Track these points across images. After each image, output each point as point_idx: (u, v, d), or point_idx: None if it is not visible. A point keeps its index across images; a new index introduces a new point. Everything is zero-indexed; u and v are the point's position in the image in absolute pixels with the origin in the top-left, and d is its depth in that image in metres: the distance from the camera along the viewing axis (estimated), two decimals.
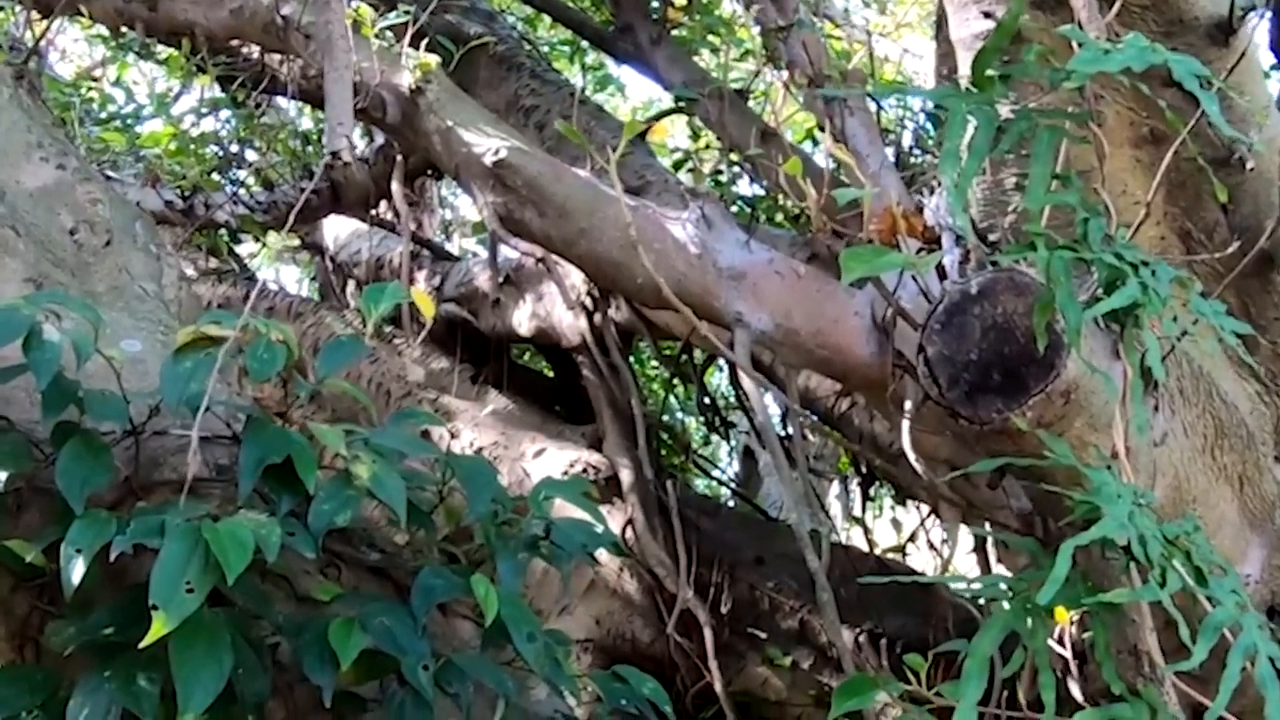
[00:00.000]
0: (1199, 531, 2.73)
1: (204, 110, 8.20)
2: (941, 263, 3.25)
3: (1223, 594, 2.65)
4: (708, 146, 8.06)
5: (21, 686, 3.11)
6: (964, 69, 3.66)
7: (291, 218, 6.67)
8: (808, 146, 7.56)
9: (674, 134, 9.31)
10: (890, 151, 5.72)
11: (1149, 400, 3.04)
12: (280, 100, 8.78)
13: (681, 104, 6.54)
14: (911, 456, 4.12)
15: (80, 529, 2.91)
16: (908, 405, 3.96)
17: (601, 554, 5.78)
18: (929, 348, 2.78)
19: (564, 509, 3.74)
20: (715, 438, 10.53)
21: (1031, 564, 2.97)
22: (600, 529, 3.71)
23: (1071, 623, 3.23)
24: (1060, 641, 3.31)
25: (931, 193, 3.43)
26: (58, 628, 3.09)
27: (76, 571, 2.86)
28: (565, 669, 3.42)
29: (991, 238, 3.33)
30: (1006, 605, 2.85)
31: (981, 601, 5.04)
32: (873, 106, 5.15)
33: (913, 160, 6.75)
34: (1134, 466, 2.86)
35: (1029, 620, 2.78)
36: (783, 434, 6.42)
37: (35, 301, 3.12)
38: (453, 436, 6.12)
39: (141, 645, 2.73)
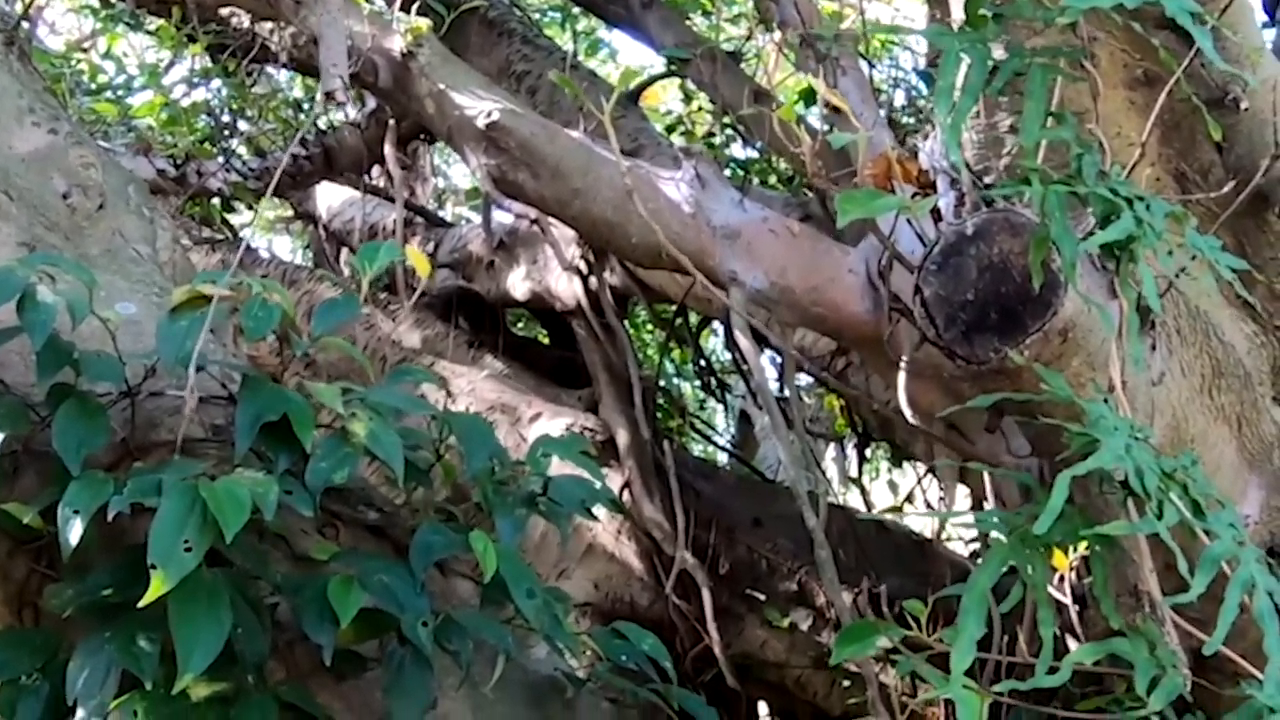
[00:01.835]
0: (1196, 466, 2.72)
1: (195, 80, 8.19)
2: (937, 206, 3.24)
3: (1221, 528, 2.65)
4: (700, 109, 8.05)
5: (21, 650, 3.11)
6: (957, 13, 3.65)
7: (275, 178, 6.59)
8: (800, 111, 7.54)
9: (665, 101, 9.29)
10: (883, 114, 5.71)
11: (1146, 339, 3.03)
12: (271, 69, 8.77)
13: (674, 66, 6.51)
14: (907, 411, 4.12)
15: (77, 490, 2.90)
16: (903, 359, 3.96)
17: (600, 517, 5.84)
18: (925, 289, 2.78)
19: (562, 471, 3.74)
20: (711, 404, 10.54)
21: (1028, 502, 2.96)
22: (599, 485, 3.70)
23: (1071, 568, 3.24)
24: (1060, 588, 3.32)
25: (926, 138, 3.43)
26: (56, 590, 3.09)
27: (74, 532, 2.85)
28: (565, 626, 3.41)
29: (986, 181, 3.32)
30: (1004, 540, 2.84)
31: (979, 560, 5.06)
32: (865, 67, 5.14)
33: (905, 121, 6.74)
34: (1132, 406, 2.85)
35: (1026, 555, 2.77)
36: (779, 395, 6.40)
37: (29, 263, 3.11)
38: (449, 395, 6.11)
39: (140, 605, 2.72)
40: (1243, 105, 3.58)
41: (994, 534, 2.87)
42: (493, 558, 3.17)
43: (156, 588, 2.72)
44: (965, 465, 4.22)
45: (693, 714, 3.83)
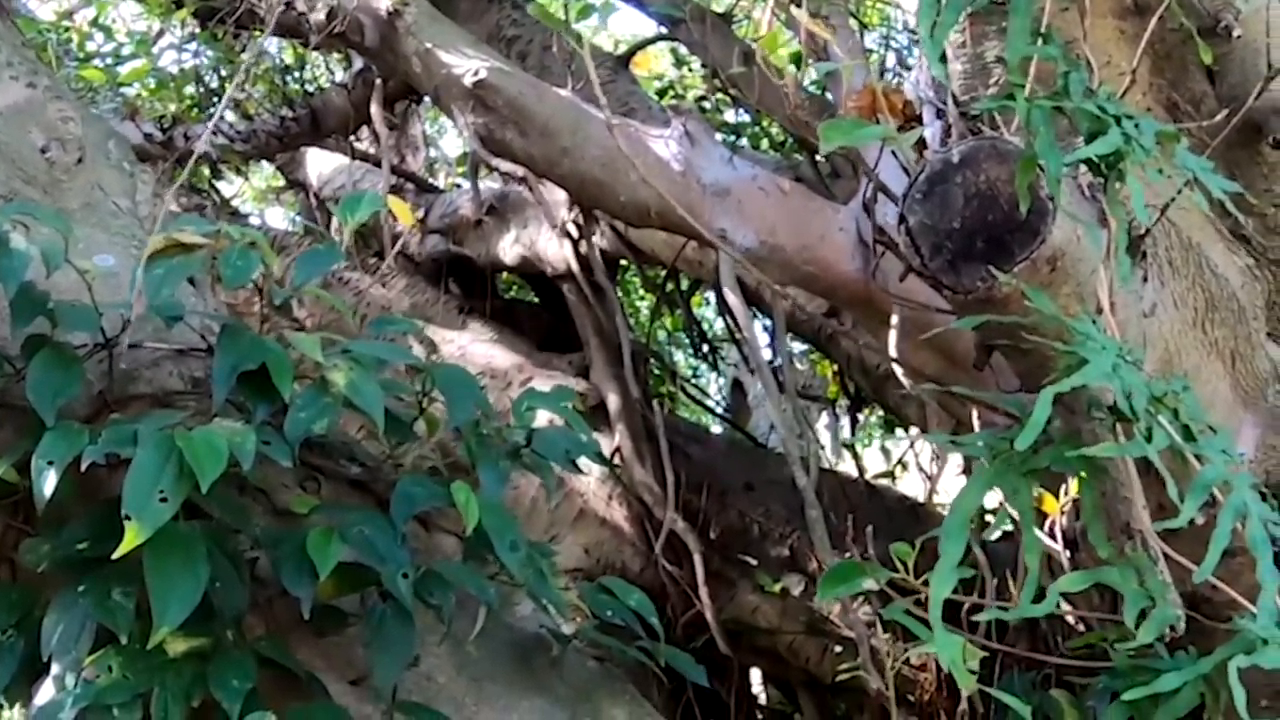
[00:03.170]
0: (1189, 391, 2.68)
1: (182, 46, 8.15)
2: (922, 137, 3.20)
3: (1212, 453, 2.61)
4: (691, 70, 8.03)
5: None
6: None
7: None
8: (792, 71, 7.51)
9: (656, 68, 9.25)
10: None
11: (1138, 269, 2.99)
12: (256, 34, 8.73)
13: (664, 30, 6.48)
14: (899, 372, 4.10)
15: (51, 440, 2.87)
16: (894, 319, 3.93)
17: (590, 484, 5.81)
18: (910, 217, 2.73)
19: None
20: (705, 372, 10.52)
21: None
22: (584, 438, 3.67)
23: (1062, 512, 3.20)
24: (1051, 534, 3.28)
25: (911, 70, 3.39)
26: (32, 545, 3.06)
27: (48, 484, 2.81)
28: (550, 581, 3.38)
29: (972, 111, 3.28)
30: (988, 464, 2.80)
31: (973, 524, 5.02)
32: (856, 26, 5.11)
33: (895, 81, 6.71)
34: (1124, 337, 2.81)
35: (1011, 479, 2.73)
36: (771, 360, 6.37)
37: (4, 213, 3.08)
38: (434, 349, 6.08)
39: (115, 556, 2.69)
40: (1235, 33, 3.54)
41: (979, 458, 2.83)
42: (475, 509, 3.13)
43: (131, 539, 2.68)
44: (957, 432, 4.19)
45: (680, 671, 3.80)
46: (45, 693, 2.86)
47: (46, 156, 3.83)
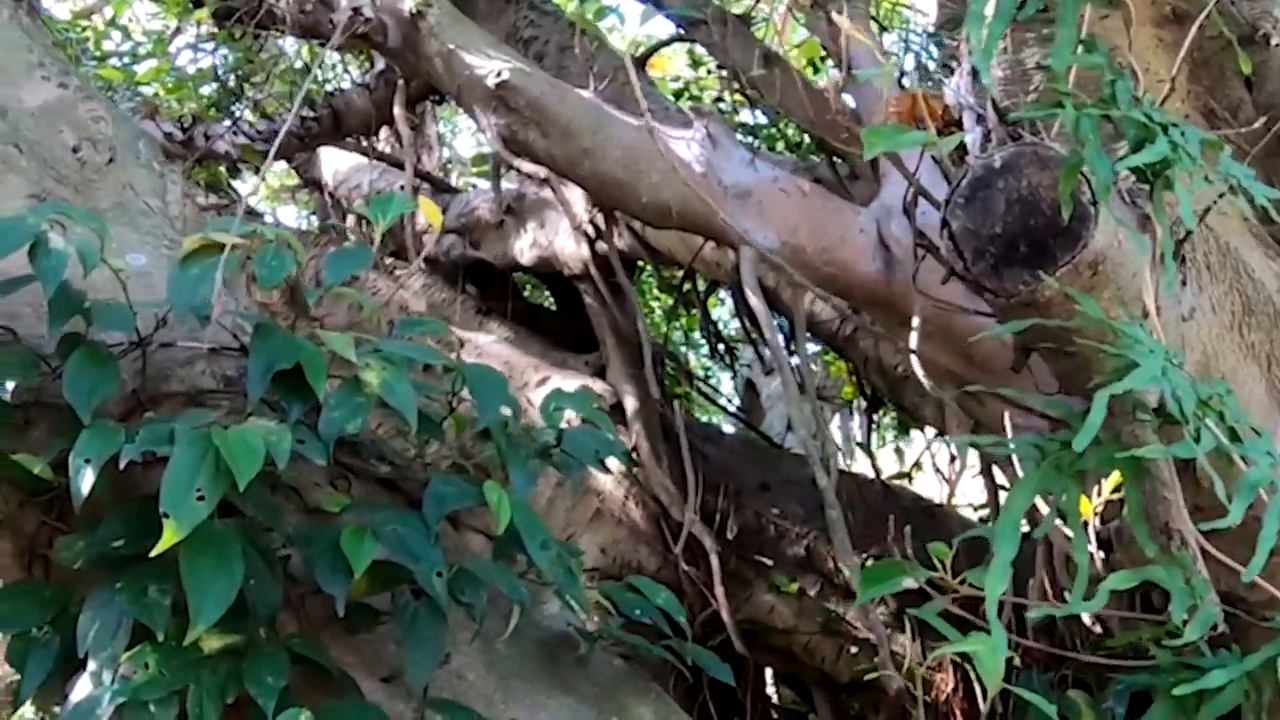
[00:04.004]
0: (1231, 395, 2.71)
1: (200, 46, 8.16)
2: (962, 142, 3.22)
3: (1257, 454, 2.64)
4: (709, 73, 8.03)
5: (31, 602, 3.11)
6: None
7: (280, 137, 6.56)
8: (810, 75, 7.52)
9: (671, 69, 9.26)
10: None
11: (1178, 273, 3.01)
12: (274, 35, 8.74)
13: (683, 30, 6.49)
14: (920, 372, 4.11)
15: (88, 439, 2.88)
16: (915, 321, 3.95)
17: (606, 483, 5.82)
18: (953, 222, 2.75)
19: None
20: (716, 372, 10.52)
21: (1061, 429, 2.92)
22: (612, 438, 3.69)
23: (1095, 513, 3.22)
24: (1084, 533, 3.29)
25: (951, 74, 3.41)
26: (67, 542, 3.08)
27: (85, 482, 2.83)
28: (578, 580, 3.40)
29: (1013, 117, 3.30)
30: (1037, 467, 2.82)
31: (990, 525, 5.04)
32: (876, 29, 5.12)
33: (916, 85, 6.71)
34: (1164, 341, 2.83)
35: (1060, 481, 2.75)
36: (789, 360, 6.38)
37: (40, 211, 3.09)
38: (460, 345, 6.09)
39: (152, 554, 2.71)
40: (1273, 41, 3.56)
41: (1026, 460, 2.84)
42: (507, 509, 3.15)
43: (169, 537, 2.70)
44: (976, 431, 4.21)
45: (706, 670, 3.82)
46: (81, 689, 2.87)
47: (78, 156, 3.85)
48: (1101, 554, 3.45)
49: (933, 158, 3.24)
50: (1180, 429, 2.60)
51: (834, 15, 4.08)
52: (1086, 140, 2.60)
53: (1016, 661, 4.31)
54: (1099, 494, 3.20)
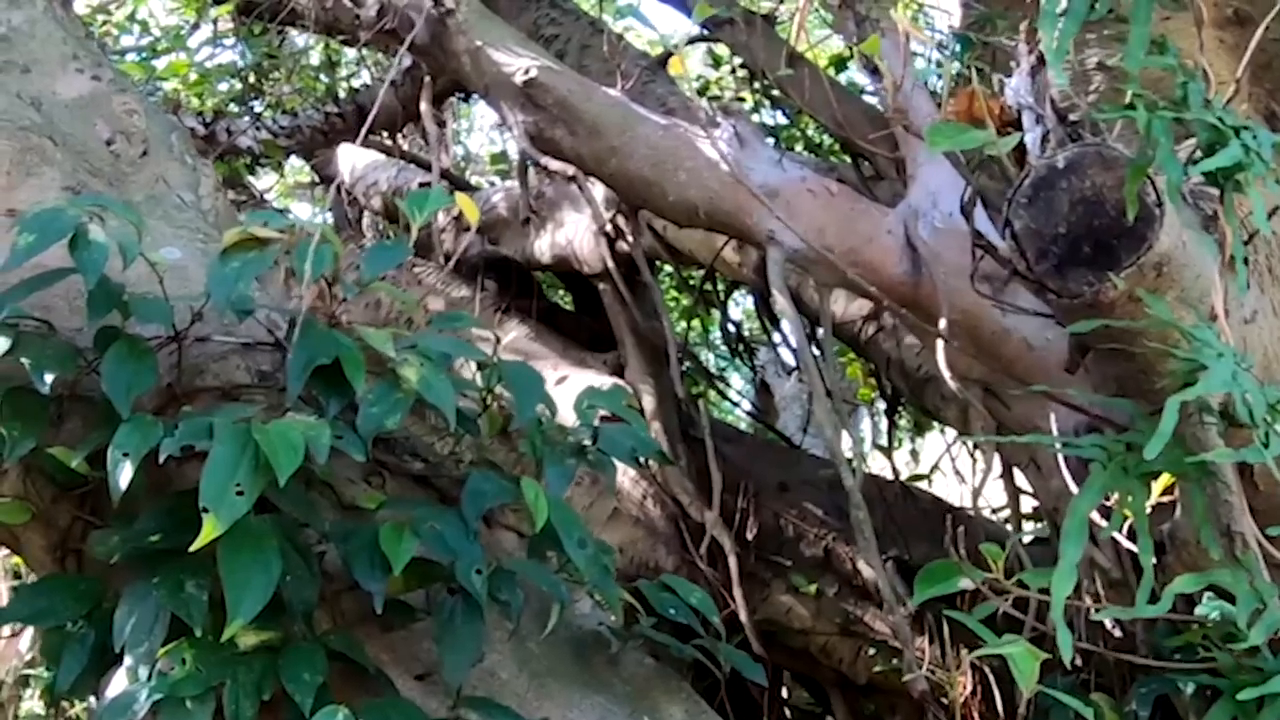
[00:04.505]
0: None
1: (220, 42, 8.17)
2: (1022, 143, 3.21)
3: None
4: (734, 71, 8.03)
5: (66, 596, 3.11)
6: None
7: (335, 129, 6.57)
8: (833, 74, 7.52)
9: (691, 69, 9.25)
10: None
11: (1246, 274, 3.00)
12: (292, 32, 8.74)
13: (706, 31, 6.49)
14: (946, 375, 4.10)
15: (127, 432, 2.87)
16: (942, 324, 3.94)
17: (624, 482, 5.82)
18: (1015, 221, 2.74)
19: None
20: (729, 372, 10.52)
21: (1129, 429, 2.91)
22: (646, 437, 3.68)
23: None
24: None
25: (1011, 74, 3.40)
26: (102, 536, 3.07)
27: (124, 476, 2.83)
28: (612, 579, 3.39)
29: (1072, 118, 3.29)
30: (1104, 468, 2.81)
31: (1009, 527, 5.03)
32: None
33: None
34: None
35: (1127, 483, 2.75)
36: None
37: (79, 204, 3.09)
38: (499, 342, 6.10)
39: (192, 549, 2.70)
40: None
41: (1095, 460, 2.84)
42: (544, 506, 3.14)
43: (208, 532, 2.69)
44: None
45: (739, 670, 3.81)
46: (118, 684, 2.87)
47: (111, 149, 3.85)
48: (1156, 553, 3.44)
49: (987, 156, 3.23)
50: (1247, 432, 2.59)
51: (890, 13, 4.07)
52: (1158, 142, 2.60)
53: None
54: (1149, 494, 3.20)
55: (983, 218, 3.11)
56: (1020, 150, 3.21)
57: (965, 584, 3.01)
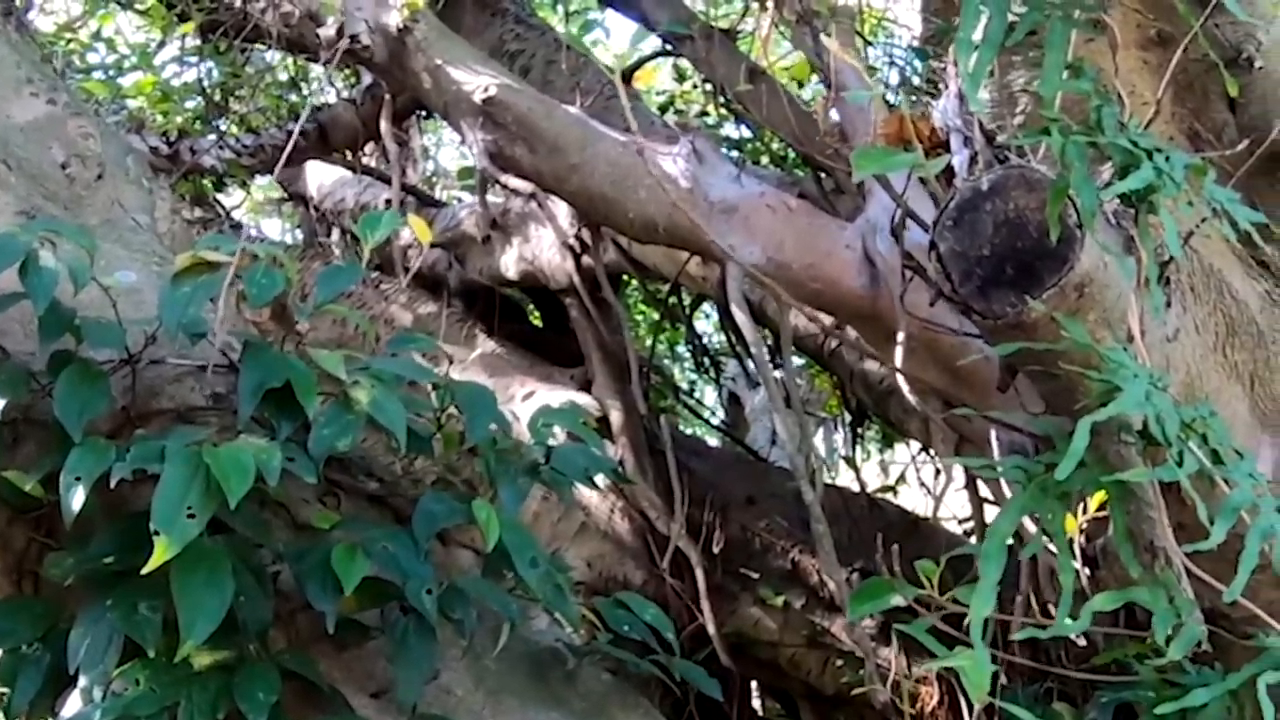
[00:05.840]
0: (1215, 416, 2.74)
1: (186, 59, 8.17)
2: (950, 165, 3.24)
3: (1240, 477, 2.66)
4: (695, 87, 8.05)
5: (22, 618, 3.13)
6: None
7: (287, 148, 6.57)
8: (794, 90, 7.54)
9: (656, 83, 9.28)
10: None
11: (1162, 295, 3.03)
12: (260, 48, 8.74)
13: (669, 45, 6.51)
14: (905, 388, 4.13)
15: (79, 456, 2.89)
16: (900, 336, 3.97)
17: (592, 498, 5.82)
18: (941, 244, 2.76)
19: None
20: (700, 387, 10.53)
21: (1046, 450, 2.95)
22: (600, 454, 3.70)
23: (1081, 530, 3.24)
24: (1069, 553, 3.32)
25: (939, 97, 3.43)
26: (57, 559, 3.09)
27: (76, 499, 2.84)
28: (567, 597, 3.41)
29: (999, 139, 3.32)
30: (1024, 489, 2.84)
31: (973, 540, 5.06)
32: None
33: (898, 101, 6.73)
34: (1149, 362, 2.86)
35: (1046, 503, 2.78)
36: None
37: (31, 229, 3.10)
38: (450, 362, 6.10)
39: (144, 571, 2.72)
40: (1256, 64, 3.60)
41: (1014, 481, 2.87)
42: (496, 526, 3.16)
43: (160, 555, 2.71)
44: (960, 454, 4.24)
45: (695, 684, 3.83)
46: (72, 705, 2.89)
47: (67, 173, 3.87)
48: (1087, 570, 3.47)
49: (919, 179, 3.26)
50: (1164, 451, 2.63)
51: (821, 36, 4.10)
52: (1073, 166, 2.62)
53: (1002, 676, 4.32)
54: (1084, 511, 3.23)
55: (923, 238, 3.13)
56: (950, 172, 3.24)
57: (897, 600, 3.04)
